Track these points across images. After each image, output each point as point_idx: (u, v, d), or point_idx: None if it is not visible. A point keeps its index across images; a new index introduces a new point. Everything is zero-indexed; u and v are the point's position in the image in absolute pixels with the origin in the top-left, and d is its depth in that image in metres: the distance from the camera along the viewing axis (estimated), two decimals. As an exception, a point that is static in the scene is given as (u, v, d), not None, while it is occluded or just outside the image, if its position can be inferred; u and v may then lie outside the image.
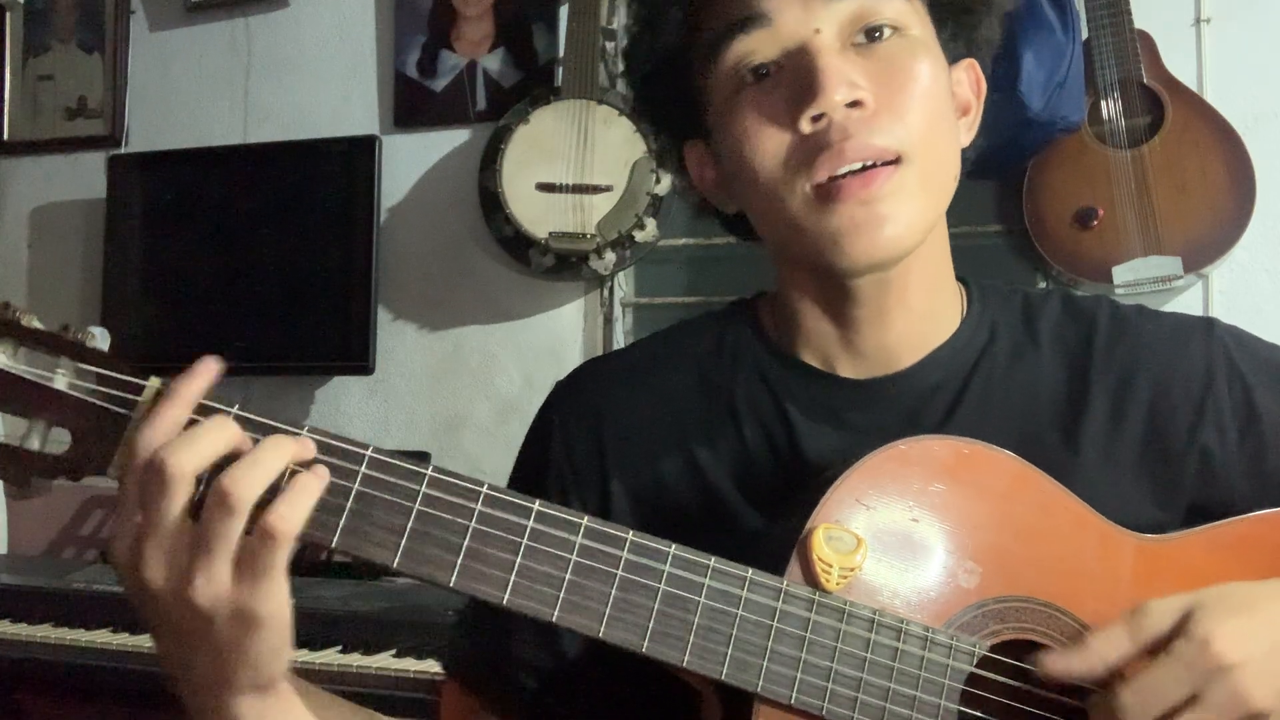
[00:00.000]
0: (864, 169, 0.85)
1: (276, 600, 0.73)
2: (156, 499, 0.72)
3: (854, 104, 0.85)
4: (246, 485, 0.71)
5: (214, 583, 0.72)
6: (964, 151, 0.95)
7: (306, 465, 0.75)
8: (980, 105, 0.97)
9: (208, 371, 0.76)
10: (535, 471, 1.00)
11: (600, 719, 0.95)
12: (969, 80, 0.97)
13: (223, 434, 0.73)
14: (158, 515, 0.72)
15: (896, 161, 0.86)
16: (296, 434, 0.76)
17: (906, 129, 0.86)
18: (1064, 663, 0.79)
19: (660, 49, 0.95)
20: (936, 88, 0.89)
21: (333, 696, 0.89)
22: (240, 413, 0.77)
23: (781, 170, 0.87)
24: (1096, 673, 0.80)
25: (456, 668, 1.01)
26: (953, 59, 0.94)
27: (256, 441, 0.75)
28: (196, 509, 0.73)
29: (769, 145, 0.88)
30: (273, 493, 0.73)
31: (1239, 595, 0.79)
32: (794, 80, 0.86)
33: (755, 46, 0.88)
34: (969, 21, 0.95)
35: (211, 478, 0.73)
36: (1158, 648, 0.78)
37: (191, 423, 0.75)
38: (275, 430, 0.76)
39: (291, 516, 0.72)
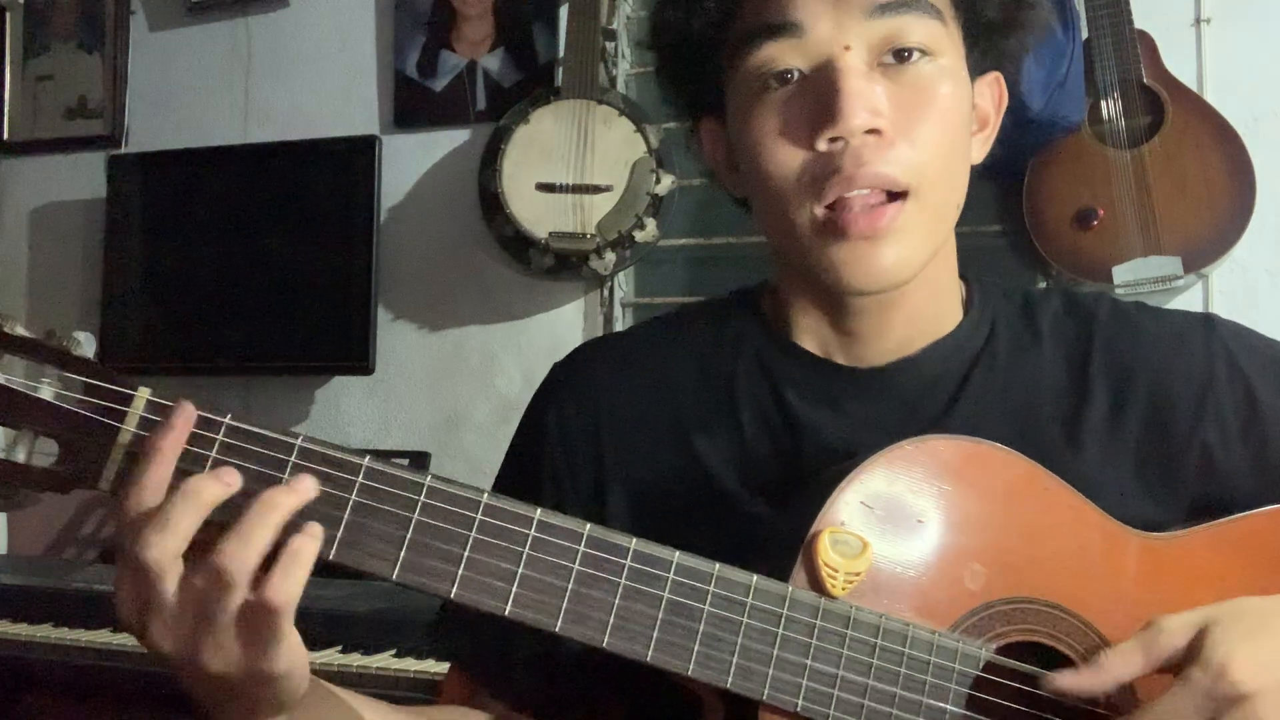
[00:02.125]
0: (871, 207, 0.85)
1: (288, 659, 0.73)
2: (146, 588, 0.71)
3: (872, 131, 0.85)
4: (240, 562, 0.70)
5: (222, 650, 0.72)
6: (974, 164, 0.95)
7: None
8: (999, 118, 0.97)
9: (185, 422, 0.74)
10: (529, 457, 1.00)
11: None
12: (992, 94, 0.96)
13: (197, 505, 0.71)
14: (153, 598, 0.72)
15: (904, 195, 0.86)
16: (285, 462, 0.74)
17: (921, 161, 0.86)
18: (1077, 681, 0.79)
19: (690, 30, 0.94)
20: (957, 117, 0.89)
21: (356, 695, 0.90)
22: (233, 422, 0.76)
23: (794, 184, 0.87)
24: (1108, 690, 0.80)
25: (456, 658, 1.01)
26: (979, 73, 0.94)
27: (241, 468, 0.74)
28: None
29: (783, 157, 0.87)
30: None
31: (1253, 615, 0.79)
32: (817, 96, 0.86)
33: (784, 54, 0.87)
34: (1000, 38, 0.94)
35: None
36: (1171, 666, 0.78)
37: (187, 451, 0.74)
38: (270, 440, 0.76)
39: (286, 587, 0.71)
